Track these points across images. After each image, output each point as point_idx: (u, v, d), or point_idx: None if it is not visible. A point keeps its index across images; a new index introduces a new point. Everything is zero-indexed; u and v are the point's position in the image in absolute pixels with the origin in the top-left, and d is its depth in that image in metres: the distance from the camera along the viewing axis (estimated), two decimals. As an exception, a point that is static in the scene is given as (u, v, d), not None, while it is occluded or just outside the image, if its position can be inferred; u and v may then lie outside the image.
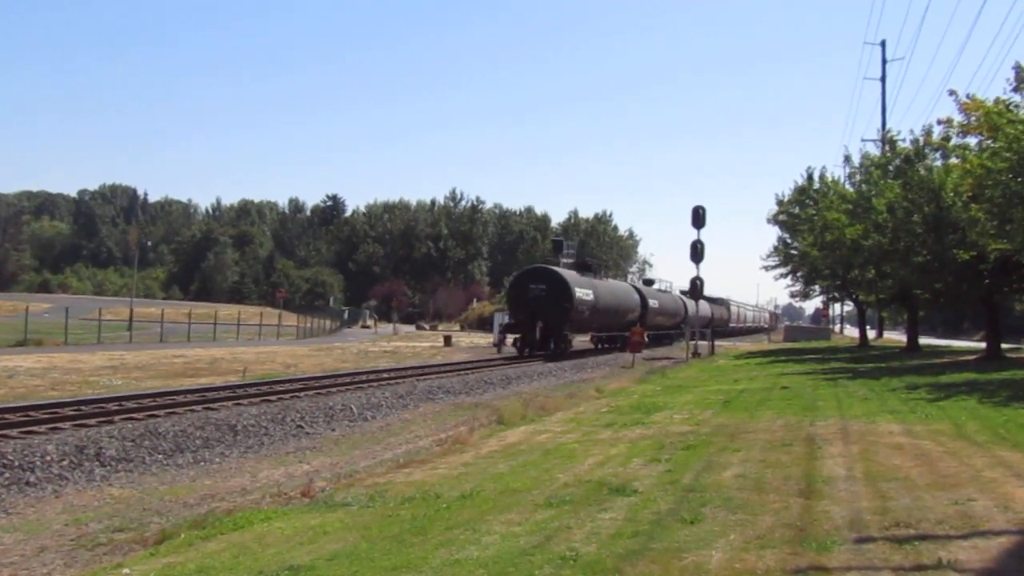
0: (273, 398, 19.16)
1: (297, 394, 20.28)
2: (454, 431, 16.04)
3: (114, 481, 11.89)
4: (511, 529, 7.21)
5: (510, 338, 39.81)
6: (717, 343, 54.92)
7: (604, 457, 10.88)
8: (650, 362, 38.52)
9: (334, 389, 21.77)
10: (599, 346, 47.74)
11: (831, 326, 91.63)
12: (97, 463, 12.34)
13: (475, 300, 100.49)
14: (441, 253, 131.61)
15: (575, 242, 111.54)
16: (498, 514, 7.85)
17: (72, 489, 11.32)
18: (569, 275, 40.51)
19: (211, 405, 17.41)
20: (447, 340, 50.90)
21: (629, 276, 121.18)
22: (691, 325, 44.98)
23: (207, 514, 9.48)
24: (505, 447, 12.87)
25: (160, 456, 13.21)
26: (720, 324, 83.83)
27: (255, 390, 20.45)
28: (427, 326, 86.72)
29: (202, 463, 13.19)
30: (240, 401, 18.30)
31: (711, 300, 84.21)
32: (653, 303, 52.51)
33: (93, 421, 14.93)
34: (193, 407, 17.00)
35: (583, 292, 40.58)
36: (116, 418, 15.33)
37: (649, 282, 61.15)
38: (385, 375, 26.56)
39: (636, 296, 50.88)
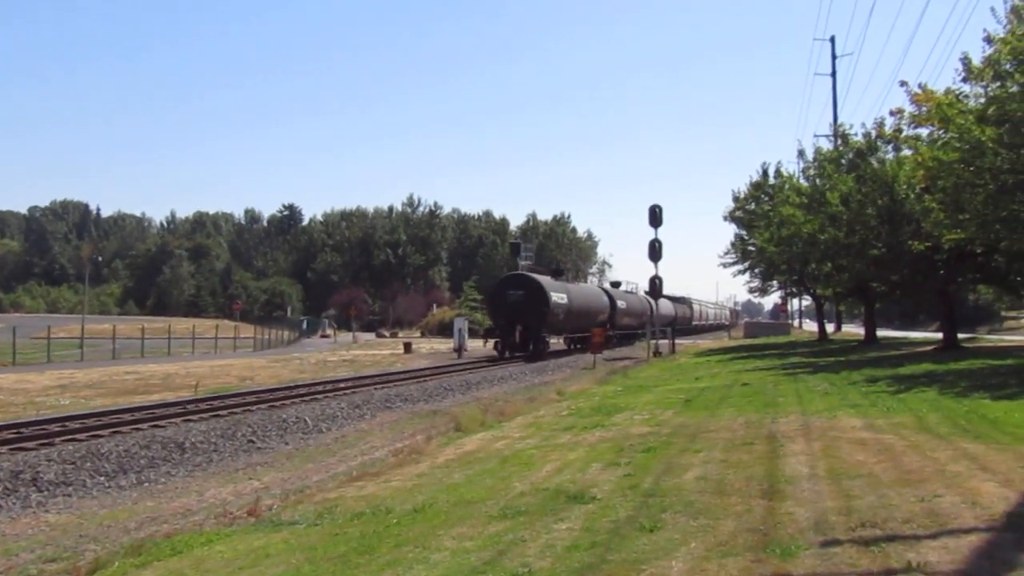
0: (224, 413, 18.62)
1: (250, 407, 19.79)
2: (410, 440, 15.72)
3: (51, 507, 11.33)
4: (462, 544, 6.84)
5: (490, 342, 42.55)
6: (678, 341, 54.96)
7: (562, 463, 10.56)
8: (612, 363, 38.36)
9: (289, 401, 21.32)
10: (572, 347, 48.96)
11: (790, 321, 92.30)
12: (33, 488, 11.77)
13: (435, 306, 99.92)
14: (400, 260, 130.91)
15: (534, 245, 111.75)
16: (450, 528, 7.48)
17: (5, 517, 10.75)
18: (545, 280, 43.17)
19: (158, 423, 16.83)
20: (407, 347, 50.47)
21: (589, 278, 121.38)
22: (653, 324, 44.92)
23: (145, 539, 9.00)
24: (462, 455, 12.53)
25: (102, 478, 12.66)
26: (683, 323, 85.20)
27: (206, 405, 19.87)
28: (387, 333, 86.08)
29: (146, 484, 12.66)
30: (190, 417, 17.73)
31: (674, 299, 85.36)
32: (621, 304, 54.01)
33: (32, 444, 14.30)
34: (139, 425, 16.40)
35: (558, 296, 43.16)
36: (57, 440, 14.71)
37: (616, 284, 62.34)
38: (342, 385, 26.16)
39: (605, 298, 52.75)
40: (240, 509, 10.19)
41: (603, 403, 18.29)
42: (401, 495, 9.58)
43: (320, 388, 24.89)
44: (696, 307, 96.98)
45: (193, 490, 12.31)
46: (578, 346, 47.73)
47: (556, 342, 48.10)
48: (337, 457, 14.79)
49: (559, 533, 6.88)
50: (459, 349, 44.57)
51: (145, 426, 16.40)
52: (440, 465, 11.74)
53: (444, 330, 76.83)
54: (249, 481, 12.89)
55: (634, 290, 63.83)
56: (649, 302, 62.24)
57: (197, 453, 14.62)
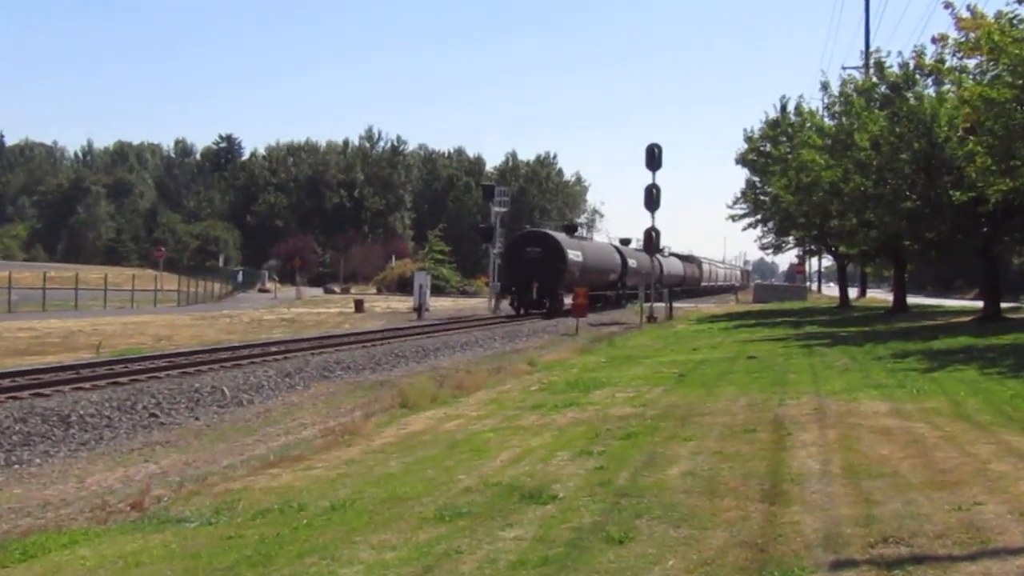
0: (125, 380, 18.10)
1: (157, 374, 19.43)
2: (347, 418, 15.50)
3: None
4: (381, 556, 6.30)
5: (505, 300, 48.49)
6: (677, 305, 54.91)
7: (522, 450, 10.24)
8: (597, 328, 38.17)
9: (207, 367, 20.99)
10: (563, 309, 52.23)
11: (807, 284, 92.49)
12: None
13: (394, 258, 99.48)
14: (356, 203, 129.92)
15: (512, 188, 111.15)
16: (371, 533, 6.95)
17: None
18: (562, 238, 49.15)
19: (43, 390, 16.21)
20: (358, 305, 50.14)
21: (581, 230, 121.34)
22: (661, 284, 44.92)
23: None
24: (404, 438, 12.22)
25: (-38, 459, 12.04)
26: (692, 283, 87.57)
27: (106, 370, 19.34)
28: (338, 289, 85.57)
29: (16, 466, 12.09)
30: (82, 384, 17.16)
31: (683, 258, 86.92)
32: (632, 263, 57.96)
33: None
34: (18, 394, 15.77)
35: (574, 253, 48.32)
36: (-87, 410, 14.05)
37: (626, 241, 64.83)
38: (274, 348, 25.91)
39: (617, 256, 57.45)
40: (123, 501, 9.66)
41: (581, 377, 18.09)
42: (321, 487, 9.13)
43: (247, 352, 24.58)
44: (706, 267, 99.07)
45: (73, 475, 11.77)
46: (597, 305, 52.10)
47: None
48: (255, 436, 14.44)
49: (505, 544, 6.36)
50: (419, 309, 44.33)
51: (25, 394, 15.77)
52: (375, 449, 11.42)
53: (405, 286, 76.42)
54: (143, 464, 12.44)
55: (641, 248, 66.22)
56: (658, 260, 66.82)
57: (85, 429, 14.07)
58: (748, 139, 51.70)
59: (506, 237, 51.73)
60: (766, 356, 19.83)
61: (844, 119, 35.17)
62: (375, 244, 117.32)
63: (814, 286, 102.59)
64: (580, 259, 49.04)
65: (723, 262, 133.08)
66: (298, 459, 11.17)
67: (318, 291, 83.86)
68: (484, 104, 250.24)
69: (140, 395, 16.68)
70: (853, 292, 61.82)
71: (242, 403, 17.72)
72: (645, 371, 18.44)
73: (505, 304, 48.70)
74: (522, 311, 46.59)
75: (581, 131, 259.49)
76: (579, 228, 56.92)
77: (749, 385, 14.63)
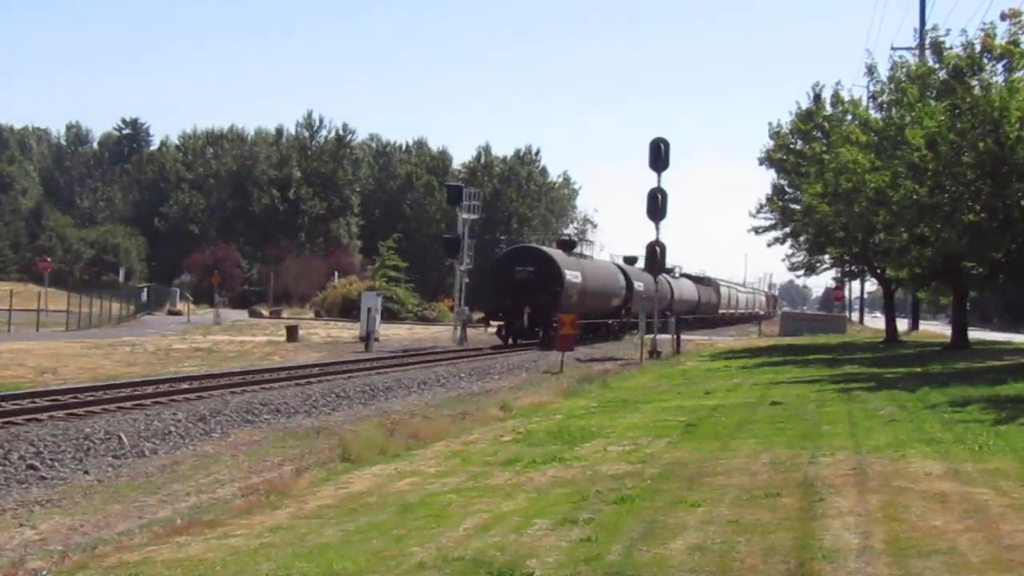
0: (-3, 423, 17.94)
1: (38, 415, 19.26)
2: (274, 473, 15.55)
3: None
4: (312, 649, 6.27)
5: (493, 325, 50.40)
6: (686, 337, 55.11)
7: (491, 516, 10.35)
8: (587, 365, 38.20)
9: (100, 408, 20.84)
10: (579, 336, 52.21)
11: (846, 313, 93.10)
12: None
13: (337, 274, 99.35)
14: (291, 205, 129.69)
15: (485, 190, 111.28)
16: (300, 620, 6.92)
17: None
18: (558, 255, 51.04)
19: None
20: (291, 332, 50.04)
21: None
22: (646, 310, 45.01)
23: None
24: (344, 499, 12.36)
25: None
26: (707, 311, 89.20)
27: (-28, 411, 19.15)
28: (266, 312, 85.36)
29: None
30: (-58, 428, 16.97)
31: (697, 280, 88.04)
32: (638, 285, 58.79)
33: None
34: None
35: (572, 274, 50.16)
36: None
37: (631, 260, 65.62)
38: (185, 385, 25.79)
39: (621, 277, 59.59)
40: (-11, 575, 9.59)
41: (566, 425, 18.17)
42: (239, 560, 9.13)
43: (152, 390, 24.41)
44: (724, 291, 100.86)
45: (-72, 542, 11.64)
46: (586, 336, 52.82)
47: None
48: (159, 495, 14.42)
49: (466, 634, 6.34)
50: (367, 338, 44.36)
51: None
52: (309, 514, 11.49)
53: (350, 310, 76.23)
54: (17, 529, 12.46)
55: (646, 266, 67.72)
56: (668, 283, 68.63)
57: (-54, 484, 13.93)
58: (775, 134, 52.08)
59: (476, 251, 52.88)
60: (794, 402, 19.92)
61: (893, 111, 35.49)
62: (314, 257, 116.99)
63: (855, 316, 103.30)
64: (579, 280, 50.69)
65: (744, 285, 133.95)
66: (212, 524, 11.15)
67: (242, 314, 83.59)
68: (451, 87, 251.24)
69: (16, 442, 16.49)
70: (902, 324, 62.16)
71: (143, 453, 17.60)
72: (645, 419, 18.50)
73: (479, 333, 50.22)
74: (510, 341, 48.34)
75: (570, 123, 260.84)
76: (577, 244, 58.91)
77: (773, 438, 14.69)
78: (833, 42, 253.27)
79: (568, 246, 56.61)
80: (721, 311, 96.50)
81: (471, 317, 58.10)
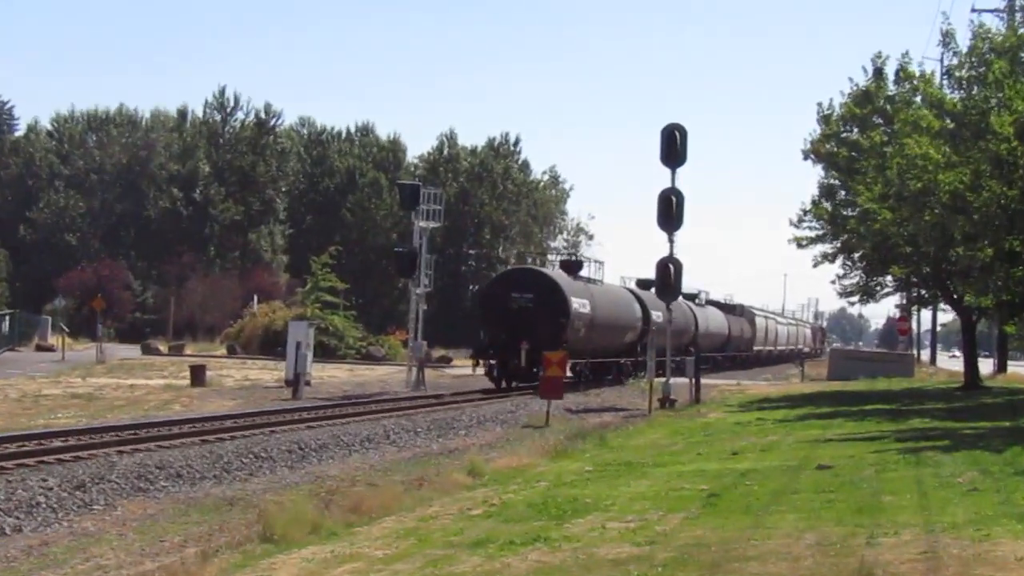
0: None
1: None
2: (173, 557, 15.46)
3: None
4: None
5: (482, 366, 51.66)
6: (710, 381, 55.01)
7: None
8: (580, 417, 38.05)
9: (-55, 472, 20.63)
10: (581, 377, 55.11)
11: (913, 351, 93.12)
12: None
13: (255, 299, 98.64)
14: (198, 209, 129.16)
15: (449, 191, 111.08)
16: None
17: None
18: (562, 279, 53.13)
19: None
20: (197, 374, 49.63)
21: (553, 259, 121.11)
22: (655, 345, 44.84)
23: None
24: None
25: None
26: (740, 347, 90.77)
27: None
28: (165, 347, 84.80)
29: None
30: None
31: (726, 308, 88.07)
32: (657, 316, 59.52)
33: None
34: None
35: (579, 302, 52.09)
36: None
37: (646, 284, 65.57)
38: (59, 443, 25.53)
39: (636, 306, 61.59)
40: None
41: (552, 495, 18.14)
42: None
43: (16, 448, 24.15)
44: (761, 322, 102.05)
45: None
46: (588, 376, 55.72)
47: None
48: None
49: None
50: (296, 382, 43.90)
51: None
52: None
53: (273, 344, 75.81)
54: None
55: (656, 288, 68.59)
56: (692, 312, 70.81)
57: None
58: (823, 119, 52.19)
59: (438, 268, 52.80)
60: (847, 466, 19.87)
61: (975, 90, 35.56)
62: (227, 276, 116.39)
63: (924, 355, 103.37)
64: (588, 311, 52.53)
65: (784, 315, 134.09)
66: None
67: (133, 350, 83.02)
68: (405, 59, 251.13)
69: None
70: (986, 365, 62.20)
71: (3, 531, 17.47)
72: (655, 487, 18.47)
73: (439, 376, 51.17)
74: (503, 383, 50.04)
75: (558, 106, 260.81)
76: (583, 265, 60.23)
77: (820, 512, 14.65)
78: (899, 1, 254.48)
79: (573, 268, 58.17)
80: (756, 348, 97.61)
81: (430, 355, 57.95)
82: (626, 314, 58.67)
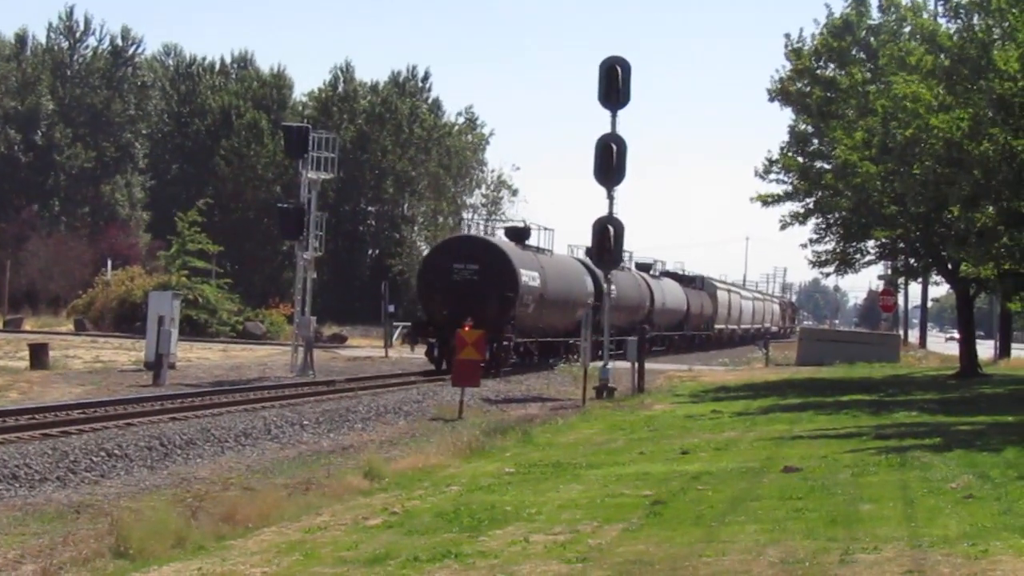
0: None
1: None
2: None
3: None
4: None
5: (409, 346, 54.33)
6: (656, 366, 55.20)
7: None
8: (500, 408, 38.12)
9: None
10: (529, 358, 59.34)
11: (899, 331, 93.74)
12: None
13: (109, 265, 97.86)
14: (40, 155, 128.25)
15: (344, 135, 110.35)
16: None
17: None
18: (510, 248, 55.94)
19: None
20: (37, 355, 49.23)
21: (471, 217, 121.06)
22: (589, 322, 44.92)
23: None
24: None
25: None
26: (699, 326, 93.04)
27: None
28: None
29: None
30: None
31: (684, 281, 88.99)
32: (612, 291, 61.39)
33: None
34: None
35: (528, 274, 54.93)
36: None
37: None
38: None
39: (588, 279, 64.05)
40: None
41: (466, 502, 18.18)
42: None
43: None
44: (723, 296, 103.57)
45: None
46: (536, 358, 58.99)
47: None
48: None
49: None
50: (158, 364, 43.63)
51: None
52: None
53: (131, 319, 75.47)
54: None
55: (623, 264, 72.09)
56: (648, 285, 74.68)
57: None
58: (793, 52, 52.27)
59: (331, 229, 52.76)
60: (819, 468, 19.97)
61: (975, 19, 35.72)
62: (75, 236, 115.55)
63: (912, 335, 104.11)
64: (537, 284, 55.55)
65: (751, 290, 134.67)
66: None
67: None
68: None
69: None
70: (985, 348, 62.61)
71: None
72: (589, 493, 18.49)
73: (348, 358, 52.18)
74: (445, 365, 50.59)
75: (475, 36, 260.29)
76: (531, 232, 62.35)
77: (786, 523, 14.70)
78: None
79: (520, 235, 60.49)
80: (718, 326, 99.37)
81: (320, 333, 57.76)
82: (578, 288, 60.35)
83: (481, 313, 48.59)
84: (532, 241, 61.25)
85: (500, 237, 60.05)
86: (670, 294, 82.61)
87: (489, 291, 51.35)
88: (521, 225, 62.71)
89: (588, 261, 65.98)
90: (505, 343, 52.57)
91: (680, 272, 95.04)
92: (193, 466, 25.56)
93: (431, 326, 52.65)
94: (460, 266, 52.54)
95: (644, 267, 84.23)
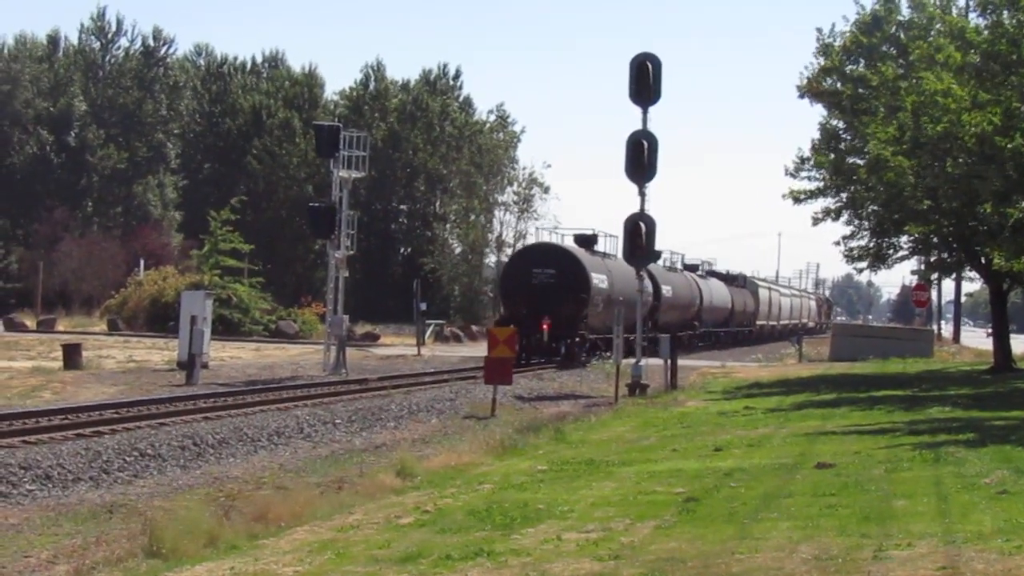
0: None
1: None
2: None
3: None
4: None
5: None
6: (689, 363, 55.33)
7: None
8: (533, 405, 38.05)
9: None
10: (592, 354, 62.14)
11: (933, 326, 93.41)
12: None
13: (142, 265, 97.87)
14: (73, 156, 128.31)
15: (376, 134, 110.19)
16: None
17: None
18: (582, 254, 61.34)
19: None
20: (71, 355, 49.26)
21: (502, 213, 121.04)
22: (622, 319, 44.91)
23: None
24: None
25: None
26: (743, 322, 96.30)
27: None
28: (32, 323, 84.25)
29: None
30: None
31: (725, 278, 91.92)
32: (666, 290, 70.68)
33: None
34: None
35: (598, 277, 60.36)
36: None
37: (656, 255, 68.42)
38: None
39: (647, 280, 64.43)
40: None
41: (499, 500, 18.13)
42: None
43: None
44: (764, 294, 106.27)
45: None
46: (606, 354, 59.84)
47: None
48: None
49: None
50: (191, 364, 43.57)
51: None
52: None
53: (164, 318, 75.52)
54: None
55: (674, 264, 79.46)
56: (696, 284, 79.73)
57: None
58: (824, 50, 52.12)
59: (362, 228, 52.81)
60: (852, 464, 19.86)
61: (1005, 15, 35.56)
62: (107, 237, 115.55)
63: (946, 330, 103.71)
64: (605, 285, 61.04)
65: (789, 286, 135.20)
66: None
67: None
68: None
69: None
70: (1020, 342, 62.30)
71: None
72: (622, 490, 18.45)
73: (380, 357, 54.07)
74: (523, 360, 55.23)
75: (506, 34, 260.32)
76: (598, 239, 67.02)
77: (819, 520, 14.63)
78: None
79: (589, 242, 65.23)
80: (760, 323, 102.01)
81: (352, 332, 57.72)
82: (634, 287, 60.35)
83: (558, 313, 56.21)
84: (599, 247, 65.47)
85: (570, 243, 63.81)
86: (716, 293, 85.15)
87: (564, 293, 56.84)
88: (589, 233, 66.39)
89: (650, 265, 66.07)
90: (578, 339, 58.03)
91: (722, 271, 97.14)
92: (226, 465, 25.63)
93: (510, 323, 53.08)
94: (539, 270, 58.07)
95: (691, 268, 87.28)
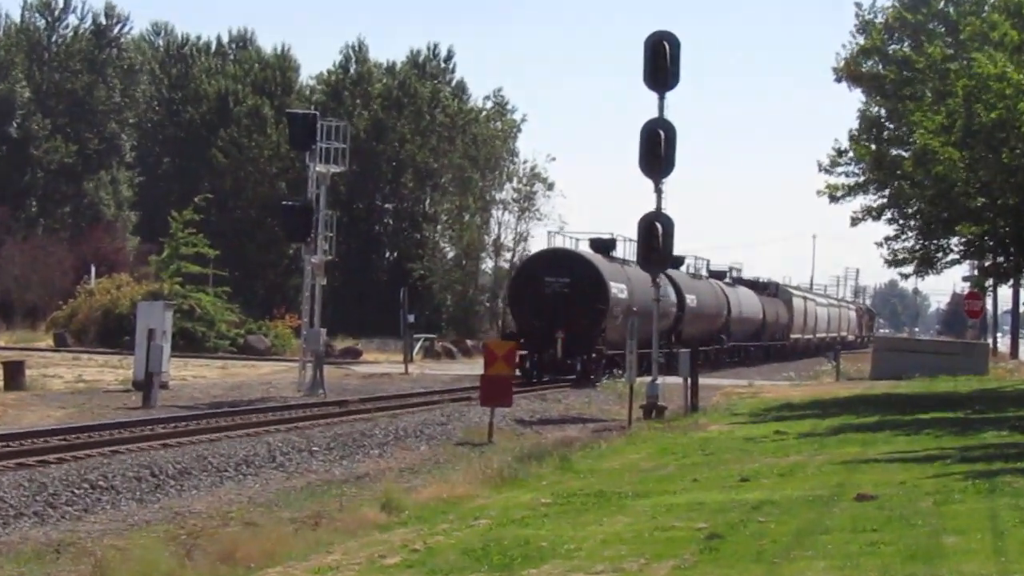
0: None
1: None
2: None
3: None
4: None
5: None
6: (711, 382, 55.26)
7: None
8: (535, 429, 38.08)
9: None
10: (609, 371, 62.57)
11: (987, 340, 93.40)
12: None
13: (92, 271, 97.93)
14: (16, 148, 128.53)
15: (358, 123, 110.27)
16: None
17: None
18: (600, 262, 62.06)
19: None
20: (12, 373, 49.28)
21: (498, 214, 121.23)
22: (634, 331, 44.74)
23: None
24: None
25: None
26: (776, 335, 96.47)
27: None
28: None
29: None
30: None
31: (755, 286, 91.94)
32: (691, 299, 72.74)
33: None
34: None
35: (617, 287, 61.34)
36: None
37: (677, 260, 71.64)
38: None
39: (670, 288, 68.44)
40: None
41: (496, 537, 18.13)
42: None
43: None
44: (799, 303, 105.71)
45: None
46: (618, 371, 60.93)
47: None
48: None
49: None
50: (148, 384, 43.63)
51: None
52: None
53: (118, 332, 75.62)
54: None
55: (698, 271, 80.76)
56: (724, 293, 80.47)
57: None
58: (863, 27, 52.18)
59: (341, 230, 52.69)
60: (897, 496, 19.87)
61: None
62: (53, 240, 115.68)
63: (1002, 343, 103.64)
64: (624, 295, 61.50)
65: (826, 295, 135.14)
66: None
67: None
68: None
69: None
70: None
71: None
72: (636, 526, 18.44)
73: (362, 375, 54.24)
74: (535, 376, 57.94)
75: (504, 10, 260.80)
76: (616, 244, 67.68)
77: (859, 560, 14.63)
78: None
79: (606, 247, 66.59)
80: (794, 336, 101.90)
81: (331, 347, 57.78)
82: (661, 299, 61.12)
83: (573, 325, 56.71)
84: (617, 252, 65.93)
85: (587, 249, 64.60)
86: (746, 302, 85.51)
87: (580, 304, 57.68)
88: (607, 237, 67.22)
89: (671, 271, 68.58)
90: (595, 355, 58.58)
91: (752, 279, 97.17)
92: (188, 499, 25.56)
93: (520, 338, 55.59)
94: (552, 279, 58.57)
95: (718, 275, 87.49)
